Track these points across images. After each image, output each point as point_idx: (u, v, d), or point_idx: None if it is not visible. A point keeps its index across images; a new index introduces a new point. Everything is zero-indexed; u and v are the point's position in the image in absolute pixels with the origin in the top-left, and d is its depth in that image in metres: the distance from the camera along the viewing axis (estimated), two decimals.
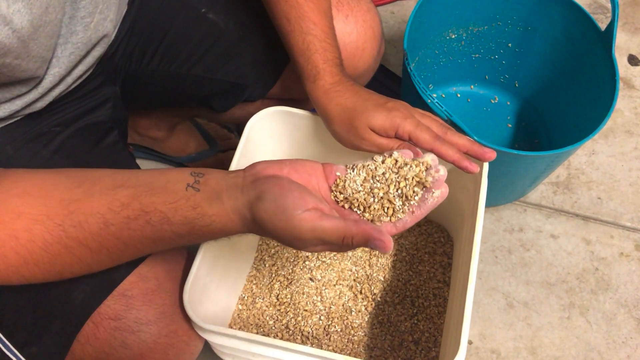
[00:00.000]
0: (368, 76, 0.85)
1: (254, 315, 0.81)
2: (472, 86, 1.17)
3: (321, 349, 0.75)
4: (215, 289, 0.71)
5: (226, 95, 0.80)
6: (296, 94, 0.83)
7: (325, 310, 0.81)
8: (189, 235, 0.50)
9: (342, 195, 0.54)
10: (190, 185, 0.50)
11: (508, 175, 0.89)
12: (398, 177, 0.55)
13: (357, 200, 0.54)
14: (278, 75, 0.79)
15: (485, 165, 0.69)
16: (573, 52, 0.99)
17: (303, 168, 0.54)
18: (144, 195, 0.49)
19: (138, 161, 0.74)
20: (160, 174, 0.51)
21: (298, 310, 0.81)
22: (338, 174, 0.55)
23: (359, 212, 0.54)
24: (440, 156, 0.62)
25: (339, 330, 0.80)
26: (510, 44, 1.08)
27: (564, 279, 0.99)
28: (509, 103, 1.16)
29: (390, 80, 1.17)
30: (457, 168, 0.75)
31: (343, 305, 0.82)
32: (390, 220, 0.53)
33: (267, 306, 0.82)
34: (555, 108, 1.08)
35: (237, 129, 1.16)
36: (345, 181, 0.55)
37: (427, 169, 0.55)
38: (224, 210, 0.49)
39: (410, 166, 0.55)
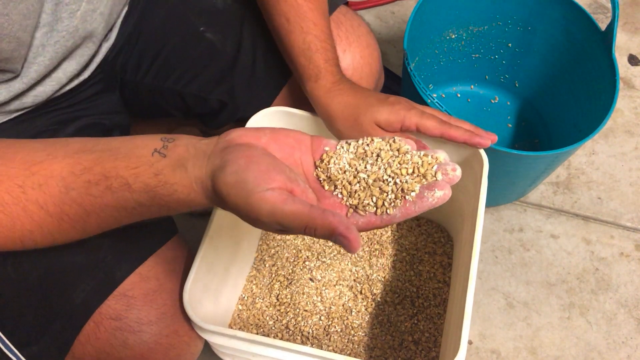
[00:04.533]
0: None
1: (254, 315, 0.81)
2: (472, 86, 1.17)
3: (321, 349, 0.75)
4: (215, 289, 0.71)
5: (219, 114, 0.79)
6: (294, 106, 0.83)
7: (325, 310, 0.81)
8: (150, 204, 0.46)
9: (324, 174, 0.48)
10: (157, 151, 0.46)
11: (508, 175, 0.89)
12: (399, 163, 0.47)
13: (341, 182, 0.47)
14: (273, 97, 0.78)
15: (486, 165, 0.69)
16: (573, 52, 0.99)
17: (285, 139, 0.48)
18: (107, 159, 0.46)
19: None
20: (131, 139, 0.48)
21: (298, 310, 0.81)
22: (327, 148, 0.49)
23: (341, 196, 0.47)
24: (450, 138, 0.63)
25: (339, 330, 0.80)
26: (510, 44, 1.08)
27: (564, 279, 0.99)
28: (509, 103, 1.16)
29: (390, 80, 1.17)
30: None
31: (343, 305, 0.82)
32: (376, 212, 0.46)
33: (267, 306, 0.82)
34: (555, 108, 1.08)
35: None
36: (331, 158, 0.48)
37: (438, 164, 0.47)
38: (187, 179, 0.45)
39: (415, 155, 0.48)
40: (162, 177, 0.45)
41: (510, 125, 1.13)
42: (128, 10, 0.71)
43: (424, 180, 0.46)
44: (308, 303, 0.82)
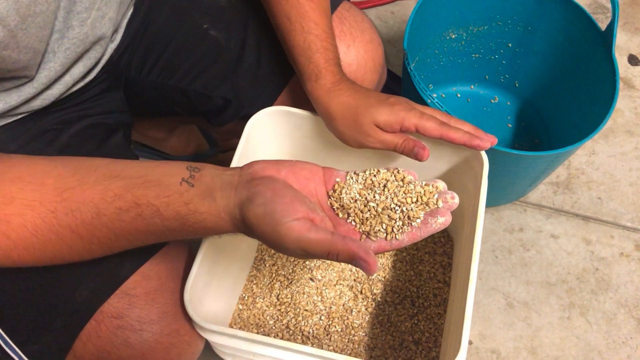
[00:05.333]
0: None
1: (254, 315, 0.81)
2: (472, 86, 1.17)
3: (321, 348, 0.75)
4: (215, 288, 0.71)
5: (224, 112, 0.79)
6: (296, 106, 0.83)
7: (325, 310, 0.81)
8: (180, 230, 0.50)
9: (337, 203, 0.53)
10: (185, 180, 0.49)
11: (508, 175, 0.89)
12: (404, 192, 0.52)
13: (354, 210, 0.52)
14: (277, 94, 0.79)
15: (486, 165, 0.69)
16: (573, 52, 0.99)
17: (301, 171, 0.53)
18: (137, 187, 0.48)
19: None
20: (156, 166, 0.51)
21: (298, 310, 0.81)
22: (338, 179, 0.54)
23: (354, 223, 0.52)
24: (449, 140, 0.63)
25: (339, 330, 0.80)
26: (510, 44, 1.08)
27: (564, 279, 0.99)
28: (509, 103, 1.16)
29: (391, 80, 1.17)
30: (457, 167, 0.76)
31: (343, 305, 0.82)
32: (386, 238, 0.51)
33: (267, 306, 0.82)
34: (555, 108, 1.08)
35: None
36: (343, 188, 0.53)
37: (438, 193, 0.53)
38: (216, 209, 0.49)
39: (418, 185, 0.53)
40: (192, 206, 0.48)
41: (510, 125, 1.13)
42: (133, 11, 0.71)
43: (427, 207, 0.52)
44: (308, 303, 0.82)
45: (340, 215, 0.52)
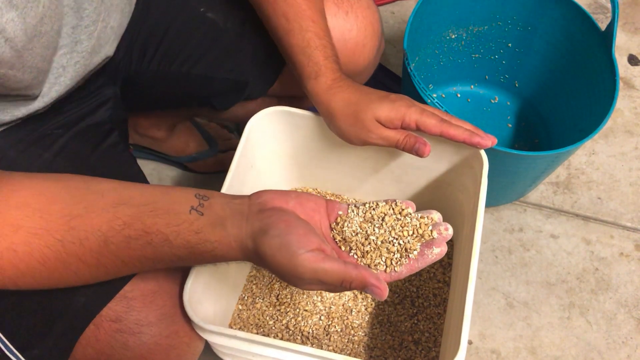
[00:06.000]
0: (368, 73, 0.85)
1: (254, 315, 0.81)
2: (472, 86, 1.17)
3: (321, 349, 0.75)
4: (215, 289, 0.71)
5: (228, 93, 0.80)
6: (296, 91, 0.83)
7: (325, 310, 0.81)
8: (188, 258, 0.51)
9: (339, 236, 0.55)
10: (194, 208, 0.50)
11: (508, 175, 0.89)
12: (400, 225, 0.54)
13: (355, 243, 0.54)
14: (279, 71, 0.79)
15: (486, 165, 0.69)
16: (573, 52, 0.99)
17: (307, 203, 0.54)
18: (147, 215, 0.49)
19: (138, 161, 0.74)
20: (165, 193, 0.51)
21: (298, 310, 0.81)
22: (340, 212, 0.56)
23: (356, 256, 0.54)
24: (449, 137, 0.63)
25: (339, 330, 0.80)
26: (510, 44, 1.08)
27: (564, 279, 0.99)
28: (509, 103, 1.16)
29: (391, 80, 1.17)
30: (457, 167, 0.75)
31: (343, 305, 0.82)
32: (386, 270, 0.54)
33: (267, 306, 0.82)
34: (555, 108, 1.08)
35: (237, 129, 1.16)
36: (345, 221, 0.55)
37: (433, 225, 0.55)
38: (227, 238, 0.50)
39: (414, 218, 0.55)
40: (202, 235, 0.49)
41: (510, 125, 1.13)
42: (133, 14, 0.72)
43: (422, 239, 0.54)
44: (308, 303, 0.82)
45: (343, 248, 0.55)
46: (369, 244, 0.54)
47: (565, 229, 1.04)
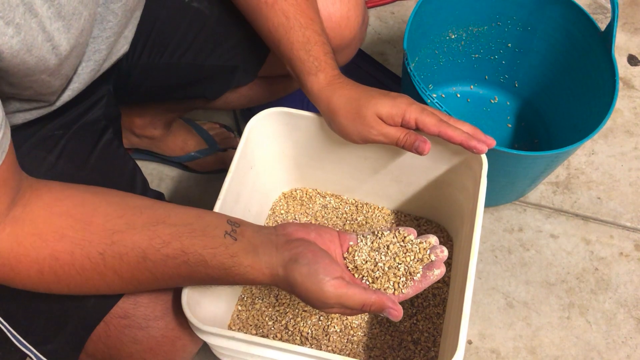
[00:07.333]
0: (355, 46, 0.86)
1: (253, 316, 0.81)
2: (472, 86, 1.17)
3: (320, 349, 0.75)
4: (215, 289, 0.71)
5: (218, 81, 0.81)
6: (286, 70, 0.84)
7: None
8: (220, 278, 0.54)
9: (351, 265, 0.60)
10: (228, 233, 0.54)
11: (508, 175, 0.89)
12: (404, 252, 0.61)
13: (366, 271, 0.60)
14: (264, 57, 0.80)
15: (485, 165, 0.69)
16: (573, 52, 0.99)
17: (325, 235, 0.60)
18: (185, 236, 0.52)
19: (138, 162, 0.74)
20: (199, 216, 0.54)
21: (297, 310, 0.81)
22: (351, 243, 0.61)
23: (367, 282, 0.60)
24: (447, 138, 0.64)
25: (338, 330, 0.80)
26: (510, 44, 1.08)
27: (563, 278, 0.99)
28: (508, 103, 1.16)
29: (390, 81, 1.17)
30: (457, 167, 0.76)
31: None
32: (394, 293, 0.59)
33: (266, 307, 0.82)
34: (555, 108, 1.08)
35: (237, 128, 1.16)
36: (356, 251, 0.61)
37: (431, 248, 0.61)
38: (258, 264, 0.54)
39: (414, 244, 0.61)
40: (237, 259, 0.53)
41: (510, 125, 1.14)
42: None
43: (422, 262, 0.60)
44: None
45: (356, 275, 0.60)
46: (378, 270, 0.60)
47: (565, 228, 1.04)
